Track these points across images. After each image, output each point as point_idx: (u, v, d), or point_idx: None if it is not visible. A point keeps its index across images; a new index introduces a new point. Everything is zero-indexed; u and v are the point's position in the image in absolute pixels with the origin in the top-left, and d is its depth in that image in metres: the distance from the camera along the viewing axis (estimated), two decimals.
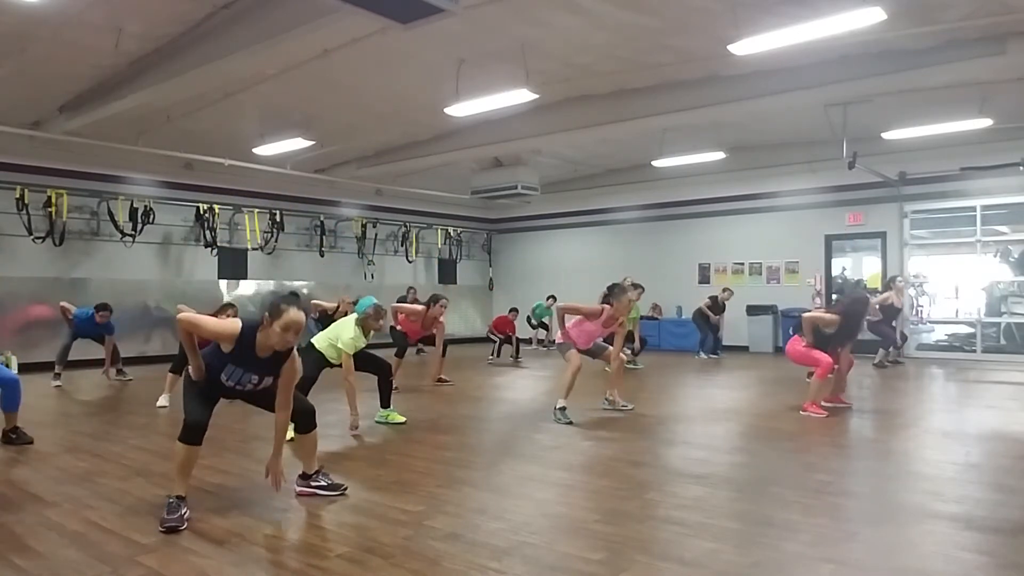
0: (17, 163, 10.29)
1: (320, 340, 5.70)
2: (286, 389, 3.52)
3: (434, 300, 8.10)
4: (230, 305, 7.18)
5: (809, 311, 7.05)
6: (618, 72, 8.57)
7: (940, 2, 6.61)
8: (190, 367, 3.52)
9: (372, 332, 5.74)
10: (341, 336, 5.57)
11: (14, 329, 10.38)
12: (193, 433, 3.36)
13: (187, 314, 3.56)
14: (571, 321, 6.34)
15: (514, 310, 12.82)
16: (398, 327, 8.44)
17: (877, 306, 9.86)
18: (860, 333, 6.86)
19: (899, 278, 10.70)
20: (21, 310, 10.48)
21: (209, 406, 3.49)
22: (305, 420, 3.73)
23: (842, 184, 12.04)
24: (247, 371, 3.44)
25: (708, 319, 12.10)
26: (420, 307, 8.26)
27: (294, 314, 3.32)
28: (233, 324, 3.44)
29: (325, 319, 8.99)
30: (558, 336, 6.42)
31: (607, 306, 6.20)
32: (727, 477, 4.28)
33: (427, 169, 13.26)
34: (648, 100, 9.26)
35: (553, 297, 13.87)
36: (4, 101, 8.90)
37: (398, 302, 10.38)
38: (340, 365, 5.70)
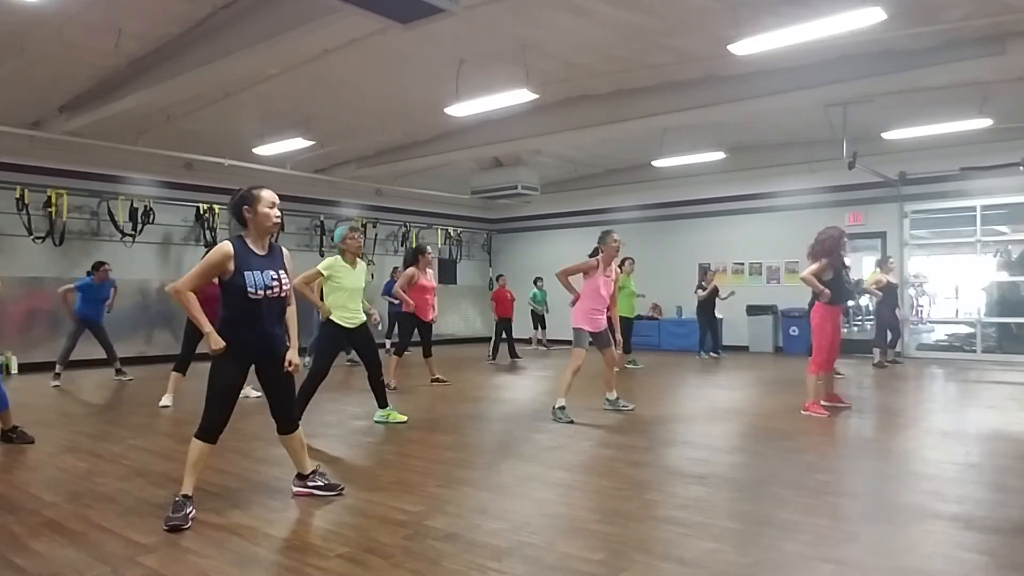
0: (17, 163, 10.28)
1: (331, 304, 5.57)
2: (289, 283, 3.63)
3: (420, 250, 8.00)
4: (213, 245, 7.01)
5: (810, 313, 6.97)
6: (618, 72, 8.57)
7: (940, 2, 6.61)
8: (208, 341, 3.37)
9: (355, 260, 5.64)
10: (321, 269, 5.55)
11: (14, 329, 10.38)
12: (212, 430, 3.37)
13: (178, 282, 3.43)
14: (577, 288, 6.28)
15: (501, 276, 12.88)
16: (408, 310, 8.03)
17: (874, 286, 10.17)
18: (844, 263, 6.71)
19: (890, 258, 10.84)
20: (21, 310, 10.48)
21: (232, 400, 3.44)
22: (283, 422, 3.70)
23: (842, 184, 12.04)
24: (263, 270, 3.43)
25: (711, 305, 11.99)
26: (412, 269, 7.92)
27: (267, 192, 3.49)
28: (222, 245, 3.43)
29: None
30: (574, 317, 6.25)
31: (598, 257, 6.25)
32: (727, 477, 4.28)
33: (427, 169, 13.27)
34: (648, 100, 9.27)
35: (540, 279, 13.87)
36: (4, 101, 8.91)
37: (390, 289, 10.19)
38: (358, 328, 5.63)
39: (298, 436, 3.76)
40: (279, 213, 3.51)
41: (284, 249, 3.67)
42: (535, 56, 7.75)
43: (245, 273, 3.37)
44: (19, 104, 9.15)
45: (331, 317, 5.56)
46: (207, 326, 3.36)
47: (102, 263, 8.99)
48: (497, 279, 12.89)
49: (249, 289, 3.36)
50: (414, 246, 8.14)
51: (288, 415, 3.72)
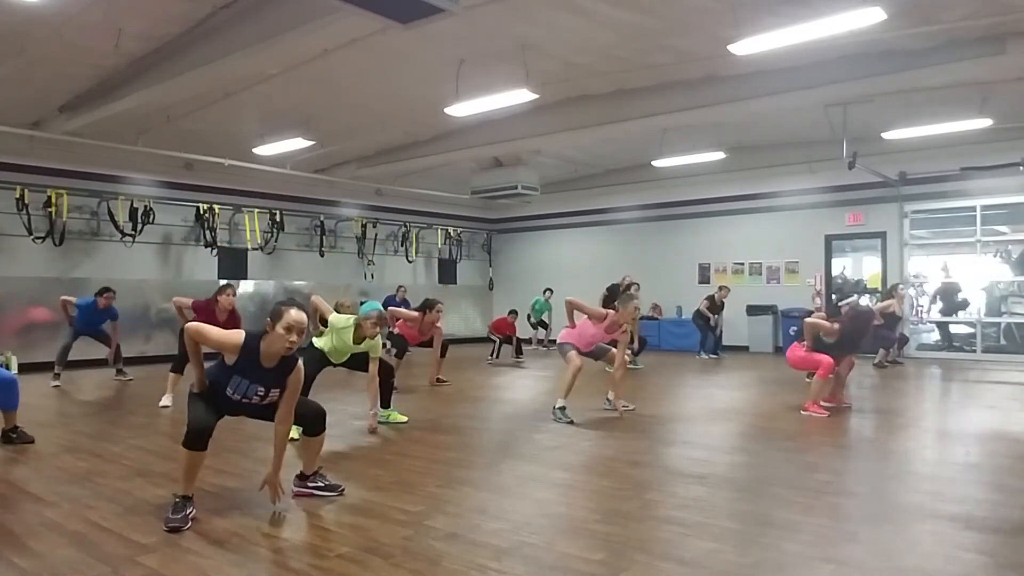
0: (17, 163, 10.28)
1: (323, 340, 5.68)
2: (288, 401, 3.52)
3: (429, 306, 8.00)
4: (228, 285, 7.11)
5: (811, 312, 7.07)
6: (618, 72, 8.56)
7: (940, 2, 6.60)
8: (195, 380, 3.53)
9: (364, 339, 5.55)
10: (330, 322, 5.58)
11: (14, 329, 10.37)
12: (197, 438, 3.34)
13: (193, 324, 3.55)
14: (578, 319, 6.34)
15: (513, 312, 12.68)
16: (395, 330, 8.35)
17: (879, 312, 9.99)
18: (860, 349, 6.87)
19: (901, 286, 10.75)
20: (21, 310, 10.47)
21: (213, 412, 3.48)
22: (314, 423, 3.72)
23: (842, 184, 12.04)
24: (252, 382, 3.44)
25: (707, 320, 12.13)
26: (416, 313, 8.10)
27: (295, 314, 3.38)
28: (237, 334, 3.47)
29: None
30: (561, 334, 6.42)
31: (612, 311, 6.21)
32: (727, 477, 4.28)
33: (427, 169, 13.27)
34: (648, 100, 9.26)
35: (550, 290, 13.86)
36: (4, 101, 8.91)
37: (390, 305, 10.26)
38: (341, 364, 5.72)
39: (320, 439, 3.79)
40: (295, 339, 3.37)
41: (300, 364, 3.53)
42: (535, 56, 7.75)
43: (235, 376, 3.42)
44: (19, 104, 9.14)
45: (316, 343, 5.62)
46: (200, 373, 3.50)
47: (108, 289, 8.85)
48: (509, 314, 12.49)
49: (228, 389, 3.45)
50: (429, 300, 8.12)
51: (313, 416, 3.71)
